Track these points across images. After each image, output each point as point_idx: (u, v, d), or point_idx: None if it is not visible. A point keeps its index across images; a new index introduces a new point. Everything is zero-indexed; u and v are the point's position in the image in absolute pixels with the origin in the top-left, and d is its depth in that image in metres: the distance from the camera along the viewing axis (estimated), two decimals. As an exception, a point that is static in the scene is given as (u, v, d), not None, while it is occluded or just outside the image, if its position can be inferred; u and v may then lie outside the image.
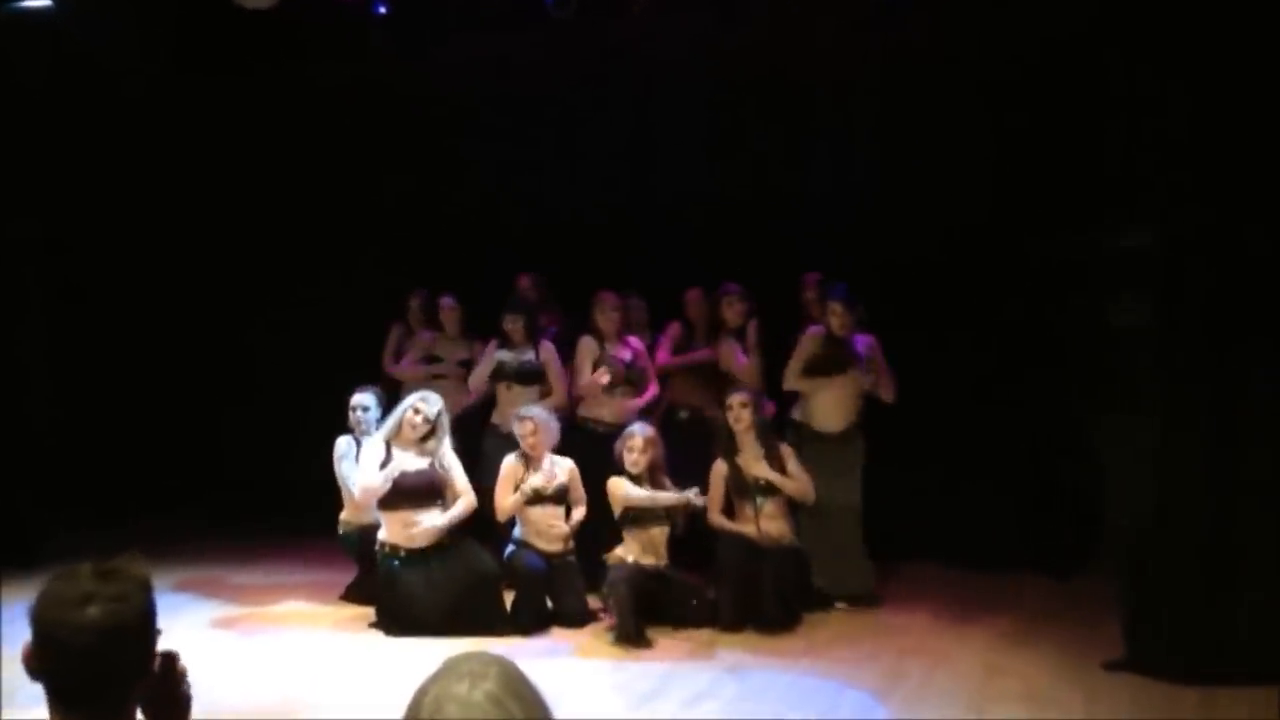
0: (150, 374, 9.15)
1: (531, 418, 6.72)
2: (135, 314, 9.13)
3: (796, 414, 7.19)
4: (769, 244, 8.04)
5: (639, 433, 6.64)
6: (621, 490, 6.55)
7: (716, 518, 6.75)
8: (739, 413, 6.73)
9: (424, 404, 6.64)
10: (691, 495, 6.55)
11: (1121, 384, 5.65)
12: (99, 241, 9.00)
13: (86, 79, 8.44)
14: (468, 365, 7.82)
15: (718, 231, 8.18)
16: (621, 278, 7.82)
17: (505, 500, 6.67)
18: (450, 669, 1.61)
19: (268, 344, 9.15)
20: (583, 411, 7.45)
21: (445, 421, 6.68)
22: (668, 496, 6.57)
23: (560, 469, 6.79)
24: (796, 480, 6.74)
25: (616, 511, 6.60)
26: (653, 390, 7.51)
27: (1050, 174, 7.32)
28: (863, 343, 7.05)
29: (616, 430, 6.94)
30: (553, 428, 6.78)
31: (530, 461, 6.72)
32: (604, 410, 7.37)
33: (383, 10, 7.97)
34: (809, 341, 7.05)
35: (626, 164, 8.48)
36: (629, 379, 7.38)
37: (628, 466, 6.59)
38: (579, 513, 6.82)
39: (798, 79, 7.97)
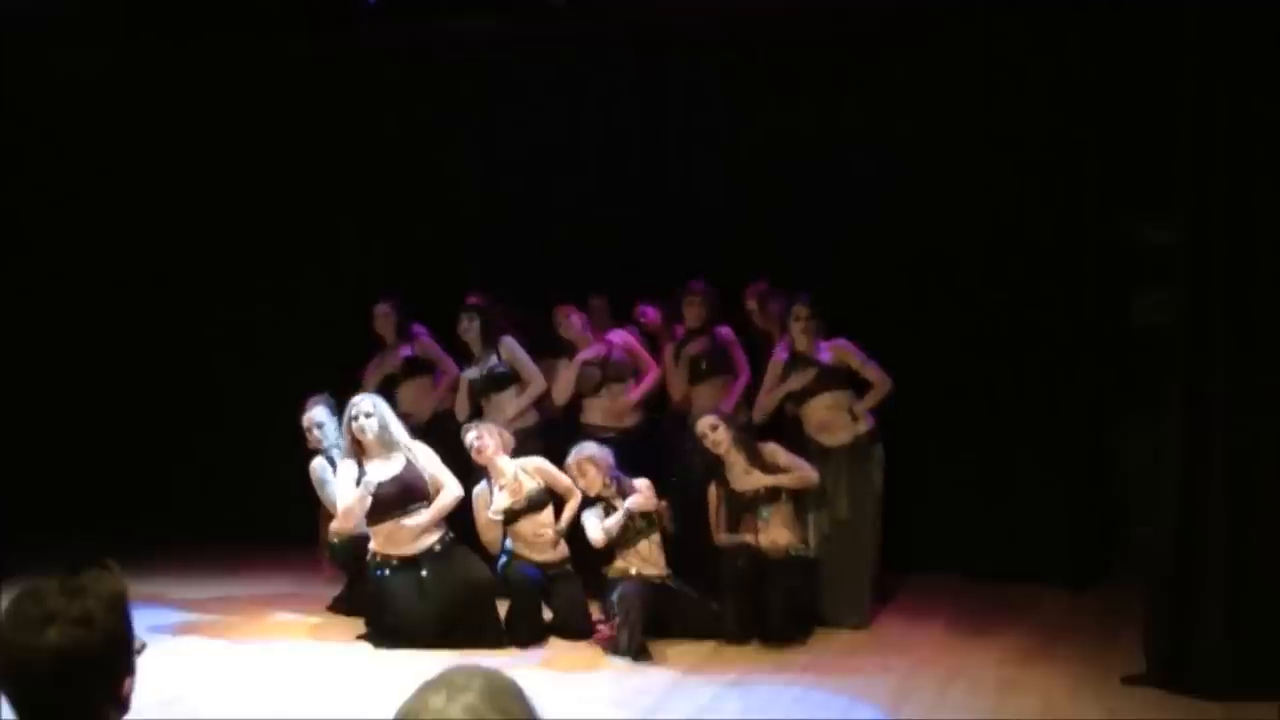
0: (119, 378, 8.87)
1: (471, 429, 6.63)
2: (92, 313, 8.83)
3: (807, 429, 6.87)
4: (773, 243, 7.71)
5: (572, 460, 6.47)
6: (588, 531, 6.41)
7: (721, 536, 6.58)
8: (714, 437, 6.52)
9: (359, 403, 6.47)
10: (631, 503, 6.34)
11: (1146, 386, 5.50)
12: (53, 236, 8.77)
13: (33, 53, 8.11)
14: (414, 363, 7.56)
15: (720, 229, 7.87)
16: (620, 276, 7.65)
17: (487, 534, 6.55)
18: (436, 680, 1.57)
19: (239, 343, 8.72)
20: (583, 419, 7.28)
21: (386, 409, 6.51)
22: (614, 521, 6.33)
23: (526, 473, 6.60)
24: (793, 473, 6.53)
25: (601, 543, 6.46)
26: (652, 374, 7.24)
27: (1075, 169, 7.12)
28: (828, 349, 6.67)
29: (613, 432, 6.82)
30: (498, 433, 6.61)
31: (492, 481, 6.55)
32: (595, 414, 7.20)
33: None
34: (776, 368, 6.72)
35: (627, 159, 8.18)
36: (608, 375, 7.17)
37: (585, 491, 6.46)
38: (572, 505, 6.59)
39: (806, 67, 7.74)
